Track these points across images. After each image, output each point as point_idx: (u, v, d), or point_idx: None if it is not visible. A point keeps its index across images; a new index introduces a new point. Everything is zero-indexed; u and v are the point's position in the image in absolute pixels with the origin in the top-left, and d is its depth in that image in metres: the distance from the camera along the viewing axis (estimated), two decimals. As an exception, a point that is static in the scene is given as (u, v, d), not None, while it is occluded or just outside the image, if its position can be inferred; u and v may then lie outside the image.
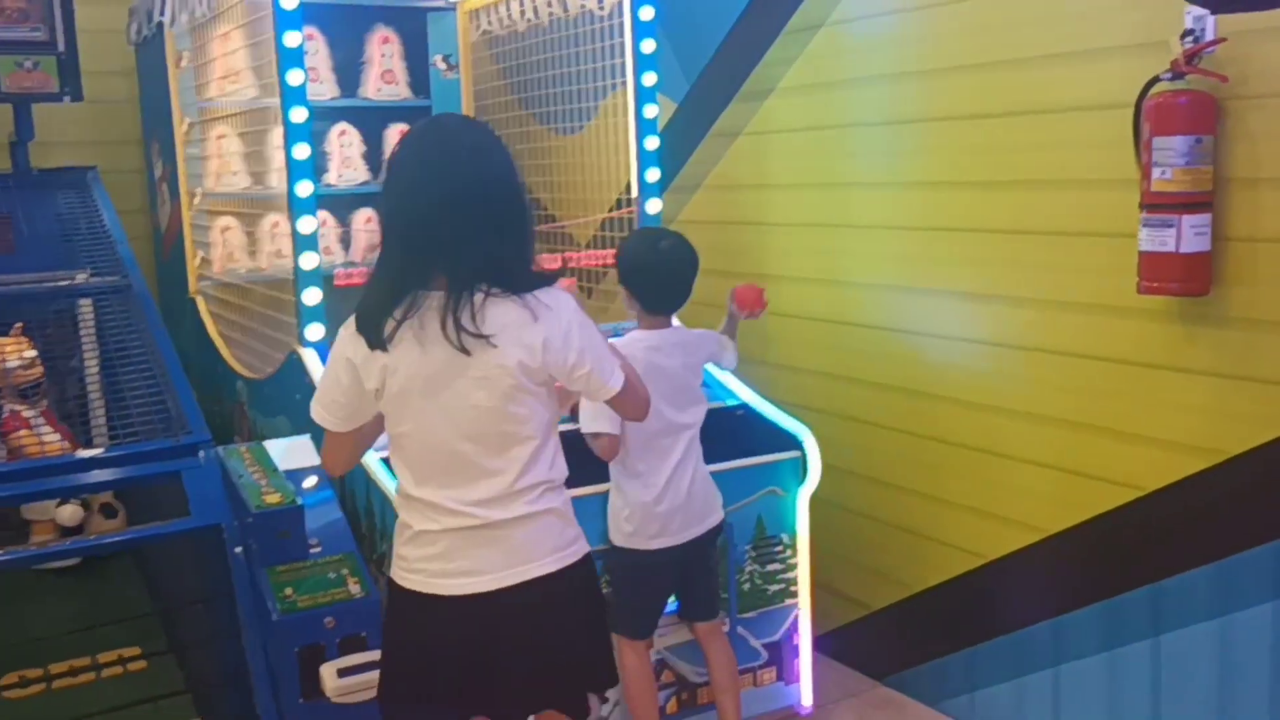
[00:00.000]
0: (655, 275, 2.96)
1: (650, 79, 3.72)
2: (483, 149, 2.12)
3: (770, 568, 3.35)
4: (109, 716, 2.97)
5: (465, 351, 2.00)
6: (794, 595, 3.39)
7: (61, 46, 3.95)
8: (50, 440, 3.83)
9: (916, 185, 3.47)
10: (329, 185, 4.75)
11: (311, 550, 2.78)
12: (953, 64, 3.28)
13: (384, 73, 4.93)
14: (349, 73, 4.90)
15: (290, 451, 3.06)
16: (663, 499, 2.91)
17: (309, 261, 3.28)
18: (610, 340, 2.31)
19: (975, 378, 3.33)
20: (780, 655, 3.40)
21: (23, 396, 3.86)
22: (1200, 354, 2.71)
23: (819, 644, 3.87)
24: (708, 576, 3.11)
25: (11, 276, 3.87)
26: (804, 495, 3.35)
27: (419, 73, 4.97)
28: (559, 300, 2.11)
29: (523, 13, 4.41)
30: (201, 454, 2.97)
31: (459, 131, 2.17)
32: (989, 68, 3.16)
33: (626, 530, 2.95)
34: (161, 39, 4.48)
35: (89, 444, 3.78)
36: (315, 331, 3.29)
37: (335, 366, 2.12)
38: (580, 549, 2.21)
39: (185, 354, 4.74)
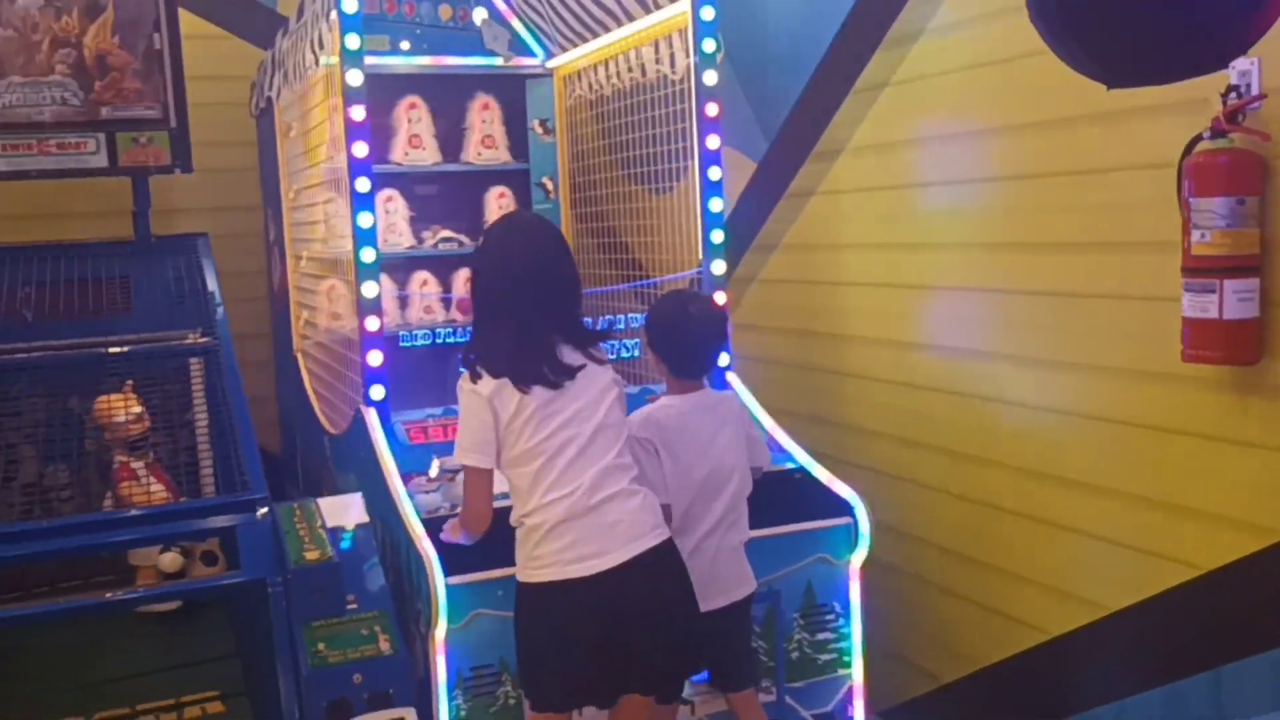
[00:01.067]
0: (684, 340, 2.96)
1: (714, 142, 3.74)
2: (548, 234, 2.77)
3: (820, 636, 3.28)
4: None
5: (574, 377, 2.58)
6: (847, 665, 3.31)
7: (174, 123, 4.24)
8: (155, 491, 4.09)
9: (976, 246, 3.39)
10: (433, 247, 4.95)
11: (348, 607, 2.88)
12: (1003, 124, 3.20)
13: (484, 138, 5.09)
14: (452, 139, 5.09)
15: (340, 509, 3.18)
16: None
17: (372, 324, 3.41)
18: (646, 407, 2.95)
19: (1037, 446, 3.20)
20: (832, 727, 3.32)
21: (131, 449, 4.14)
22: (1252, 426, 2.54)
23: (891, 716, 3.78)
24: (738, 646, 3.03)
25: (125, 336, 4.15)
26: (855, 563, 3.27)
27: (518, 137, 5.11)
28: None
29: (609, 78, 4.52)
30: (258, 510, 3.10)
31: (531, 224, 2.82)
32: (1040, 127, 3.08)
33: None
34: (273, 112, 4.76)
35: (196, 495, 4.04)
36: (377, 391, 3.42)
37: (475, 409, 2.58)
38: (666, 529, 2.66)
39: (290, 409, 5.01)
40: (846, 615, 3.30)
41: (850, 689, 3.32)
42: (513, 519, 2.64)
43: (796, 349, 4.28)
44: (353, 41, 3.33)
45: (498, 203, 5.11)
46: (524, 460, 2.57)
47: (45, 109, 4.07)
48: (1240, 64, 2.45)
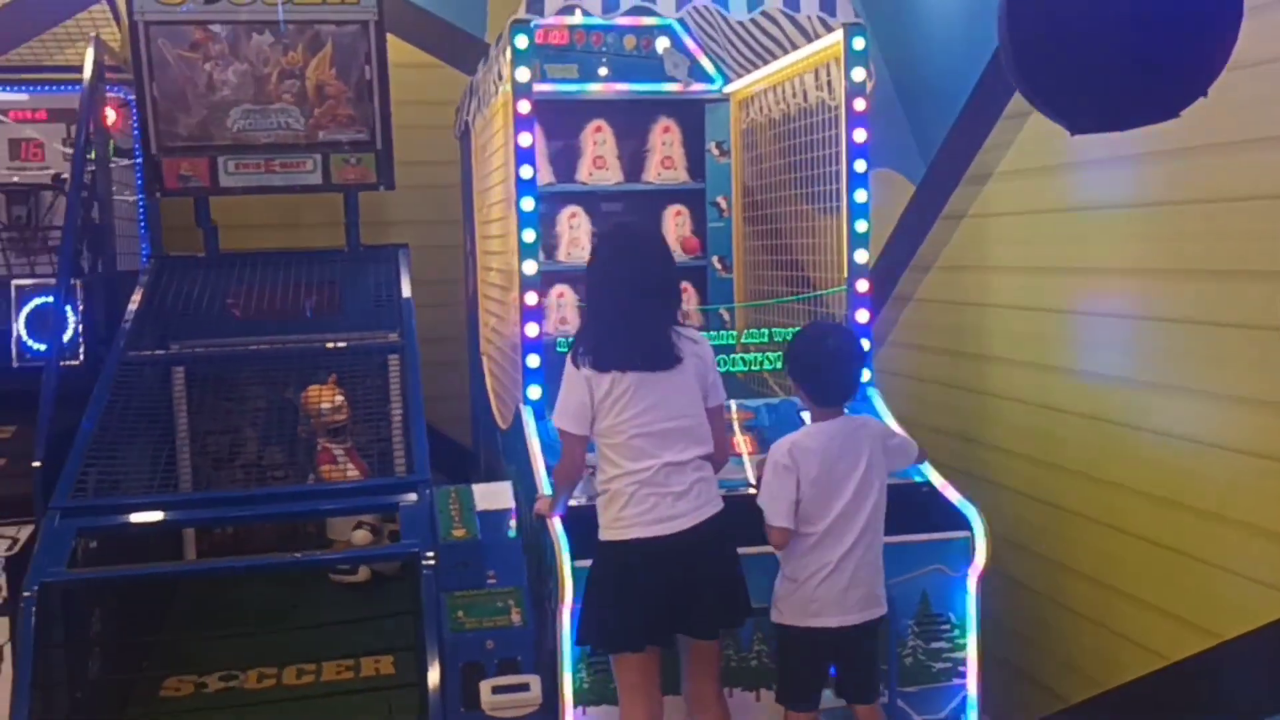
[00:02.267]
0: (821, 370, 3.17)
1: (861, 166, 3.89)
2: (651, 238, 3.29)
3: (935, 645, 3.39)
4: (354, 699, 3.63)
5: (669, 367, 3.02)
6: (962, 676, 3.40)
7: (379, 145, 4.73)
8: (350, 473, 4.59)
9: (1113, 272, 3.42)
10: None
11: (488, 580, 3.21)
12: (1141, 150, 3.22)
13: (664, 159, 5.37)
14: (634, 160, 5.41)
15: (492, 494, 3.53)
16: (823, 584, 3.06)
17: (531, 330, 3.76)
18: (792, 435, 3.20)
19: (1167, 472, 3.22)
20: (946, 734, 3.41)
21: (332, 435, 4.65)
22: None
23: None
24: (865, 662, 3.17)
25: (333, 335, 4.66)
26: (972, 577, 3.36)
27: (696, 158, 5.38)
28: (700, 336, 3.23)
29: (777, 102, 4.73)
30: (424, 491, 3.48)
31: (638, 230, 3.41)
32: (1179, 154, 3.07)
33: (783, 608, 3.13)
34: (470, 134, 5.21)
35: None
36: (534, 391, 3.75)
37: (574, 386, 3.05)
38: (720, 503, 3.09)
39: (478, 405, 5.45)
40: (963, 627, 3.40)
41: (964, 699, 3.41)
42: (597, 485, 3.08)
43: (946, 367, 4.37)
44: (522, 75, 3.68)
45: (675, 220, 5.38)
46: (611, 434, 3.02)
47: (272, 133, 4.64)
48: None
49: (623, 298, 3.07)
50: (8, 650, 3.14)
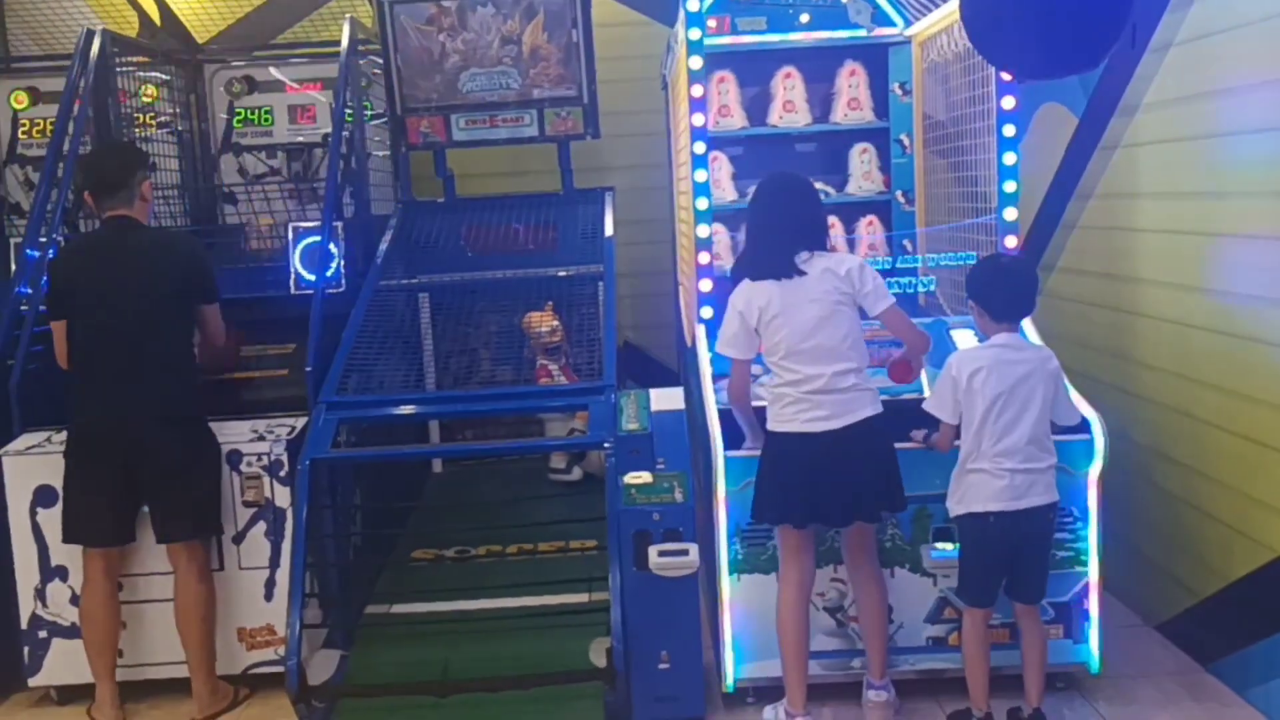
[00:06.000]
0: (1001, 289, 3.58)
1: (1008, 102, 4.20)
2: (805, 185, 3.76)
3: (1058, 535, 3.74)
4: (561, 565, 4.40)
5: (802, 274, 3.54)
6: (1084, 564, 3.76)
7: (586, 100, 5.37)
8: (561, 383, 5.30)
9: (1248, 195, 3.63)
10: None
11: (657, 466, 3.82)
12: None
13: (850, 100, 5.75)
14: (824, 103, 5.81)
15: (666, 398, 4.13)
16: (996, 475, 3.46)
17: (704, 258, 4.31)
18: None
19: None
20: (1069, 616, 3.78)
21: (548, 354, 5.38)
22: None
23: (1162, 629, 4.15)
24: (1040, 558, 3.55)
25: (550, 269, 5.35)
26: (1093, 475, 3.70)
27: (880, 99, 5.73)
28: (838, 257, 3.66)
29: (950, 44, 5.04)
30: (609, 394, 4.12)
31: (791, 178, 3.80)
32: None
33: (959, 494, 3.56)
34: (668, 85, 5.77)
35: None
36: (706, 311, 4.31)
37: (732, 319, 3.62)
38: (878, 407, 3.57)
39: (678, 328, 6.06)
40: (1084, 520, 3.74)
41: (1086, 585, 3.77)
42: (770, 384, 3.63)
43: (1103, 291, 4.63)
44: (694, 34, 4.20)
45: (860, 158, 5.76)
46: (772, 351, 3.58)
47: (495, 92, 5.36)
48: None
49: (764, 226, 3.67)
50: (290, 512, 4.00)
